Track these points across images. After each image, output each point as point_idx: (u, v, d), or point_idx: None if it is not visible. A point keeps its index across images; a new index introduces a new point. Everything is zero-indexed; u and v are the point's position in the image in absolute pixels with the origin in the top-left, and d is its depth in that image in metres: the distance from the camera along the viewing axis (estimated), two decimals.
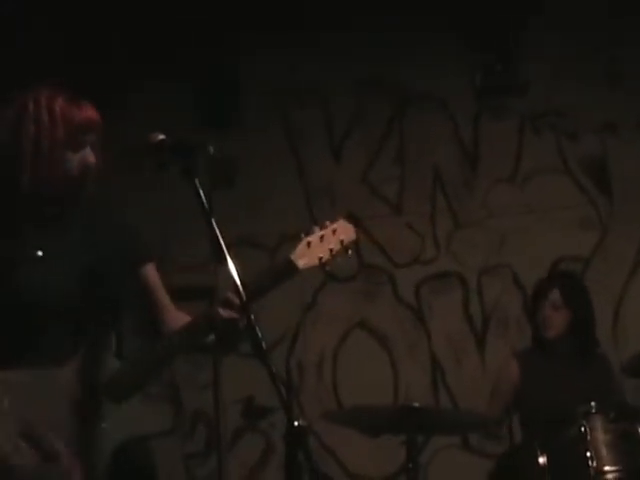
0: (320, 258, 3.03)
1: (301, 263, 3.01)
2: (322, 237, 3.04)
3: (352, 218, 5.71)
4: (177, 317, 3.17)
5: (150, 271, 3.21)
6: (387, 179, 5.99)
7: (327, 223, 3.08)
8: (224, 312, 2.94)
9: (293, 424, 2.56)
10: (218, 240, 2.79)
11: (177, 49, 6.07)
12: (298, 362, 5.93)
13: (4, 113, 3.04)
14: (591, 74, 5.81)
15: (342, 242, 3.06)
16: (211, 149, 2.96)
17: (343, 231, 3.09)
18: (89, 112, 3.05)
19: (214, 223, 2.81)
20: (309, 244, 3.03)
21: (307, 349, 5.93)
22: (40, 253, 2.99)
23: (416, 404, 4.08)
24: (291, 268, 3.02)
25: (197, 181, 2.87)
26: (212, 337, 3.08)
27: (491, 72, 5.86)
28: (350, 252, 3.08)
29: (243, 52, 6.12)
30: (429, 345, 5.81)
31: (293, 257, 3.02)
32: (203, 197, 2.84)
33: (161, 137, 3.01)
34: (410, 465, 4.04)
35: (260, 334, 2.69)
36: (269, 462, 5.85)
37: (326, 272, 5.71)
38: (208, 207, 2.84)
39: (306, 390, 5.89)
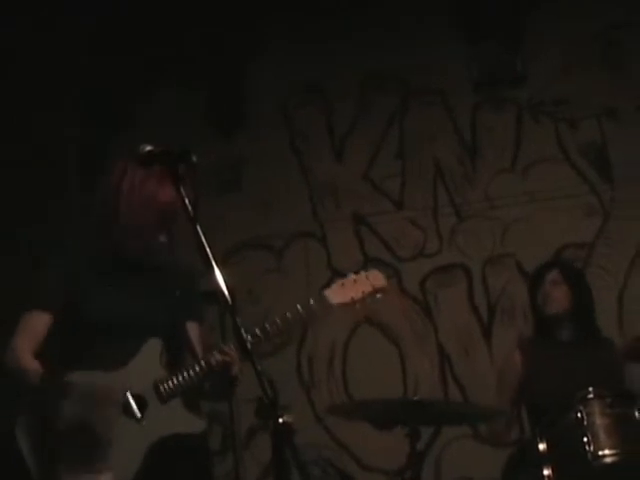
0: (352, 297, 3.49)
1: (335, 300, 3.47)
2: (355, 280, 3.50)
3: (358, 217, 5.91)
4: None
5: (192, 329, 3.56)
6: (389, 175, 6.05)
7: (361, 271, 3.53)
8: (219, 356, 3.33)
9: (278, 421, 2.63)
10: (204, 247, 2.84)
11: (182, 57, 6.17)
12: (309, 358, 6.01)
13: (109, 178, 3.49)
14: (588, 60, 5.83)
15: (373, 287, 3.51)
16: (194, 157, 3.04)
17: (375, 278, 3.54)
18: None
19: (199, 230, 2.86)
20: (343, 284, 3.49)
21: (317, 345, 6.00)
22: (110, 286, 3.44)
23: (416, 397, 4.14)
24: (325, 304, 3.45)
25: (182, 189, 2.95)
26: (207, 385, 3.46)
27: (488, 63, 5.90)
28: (379, 296, 3.54)
29: (246, 56, 6.21)
30: (436, 337, 5.87)
31: (327, 294, 3.46)
32: (188, 204, 2.91)
33: (148, 148, 3.11)
34: (413, 457, 4.09)
35: (244, 334, 2.76)
36: None
37: (334, 272, 5.92)
38: (193, 214, 2.92)
39: (317, 385, 5.97)
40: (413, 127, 6.05)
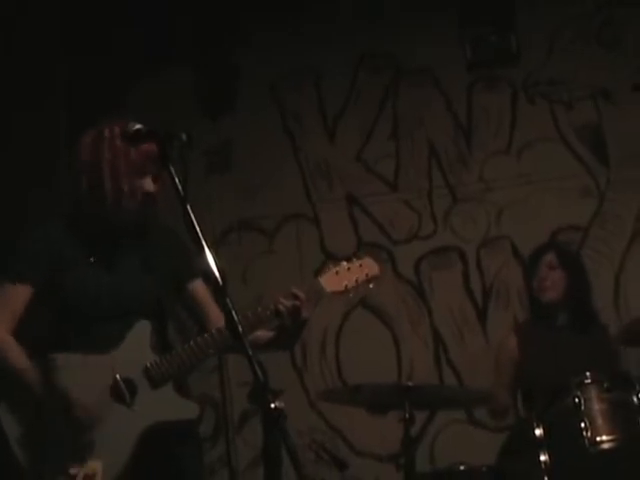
0: (346, 285, 3.44)
1: (329, 288, 3.42)
2: (349, 268, 3.46)
3: (351, 198, 5.85)
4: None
5: (197, 287, 3.48)
6: (382, 156, 5.98)
7: (354, 258, 3.50)
8: (287, 302, 3.29)
9: (270, 406, 2.56)
10: (194, 227, 2.76)
11: (174, 37, 6.07)
12: (302, 343, 5.93)
13: (84, 139, 3.37)
14: (583, 40, 5.77)
15: (367, 275, 3.47)
16: (184, 136, 2.96)
17: (368, 266, 3.49)
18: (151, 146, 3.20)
19: (189, 210, 2.79)
20: (337, 272, 3.44)
21: (310, 329, 5.92)
22: (92, 260, 3.34)
23: (409, 382, 4.09)
24: (319, 291, 3.40)
25: (172, 168, 2.87)
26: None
27: (482, 43, 5.82)
28: (372, 285, 3.50)
29: (238, 37, 6.11)
30: (431, 320, 5.81)
31: (321, 281, 3.42)
32: (178, 184, 2.84)
33: (137, 127, 3.04)
34: (406, 442, 4.05)
35: (237, 318, 2.69)
36: None
37: (327, 255, 5.85)
38: (183, 194, 2.84)
39: (310, 370, 5.91)
40: (406, 108, 5.97)
